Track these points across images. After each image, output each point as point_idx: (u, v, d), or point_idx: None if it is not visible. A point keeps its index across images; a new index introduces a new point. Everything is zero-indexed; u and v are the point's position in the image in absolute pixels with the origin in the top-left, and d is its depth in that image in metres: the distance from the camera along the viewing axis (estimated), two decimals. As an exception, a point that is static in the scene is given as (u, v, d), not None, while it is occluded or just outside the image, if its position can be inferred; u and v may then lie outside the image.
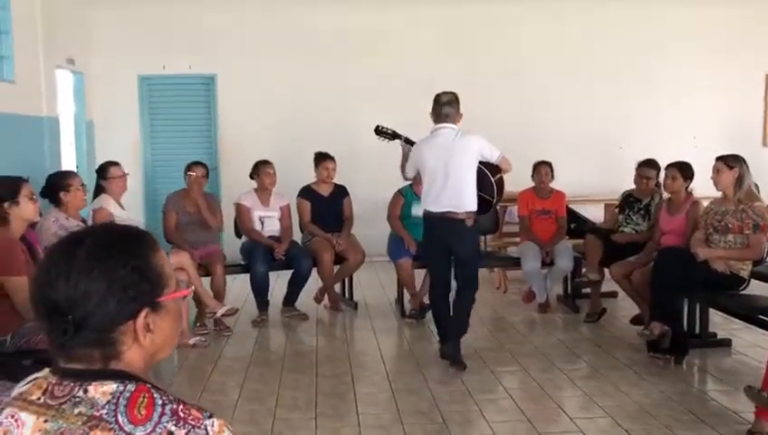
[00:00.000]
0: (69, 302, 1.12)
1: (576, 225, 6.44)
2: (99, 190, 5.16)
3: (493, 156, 4.62)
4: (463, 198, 4.51)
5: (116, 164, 5.34)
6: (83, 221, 4.58)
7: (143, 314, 1.16)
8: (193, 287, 4.84)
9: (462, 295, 4.72)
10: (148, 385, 1.14)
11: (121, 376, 1.14)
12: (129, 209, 5.69)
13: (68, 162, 7.91)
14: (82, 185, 4.44)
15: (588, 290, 5.95)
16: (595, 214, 7.41)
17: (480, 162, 4.59)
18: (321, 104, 8.37)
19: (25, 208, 3.38)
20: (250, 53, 8.30)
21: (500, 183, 4.77)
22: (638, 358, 4.73)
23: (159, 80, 8.40)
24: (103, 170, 5.19)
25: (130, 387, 1.12)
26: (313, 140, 7.32)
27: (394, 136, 5.08)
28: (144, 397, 1.11)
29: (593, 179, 8.15)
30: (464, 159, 4.50)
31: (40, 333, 3.36)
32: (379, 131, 5.14)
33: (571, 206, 6.64)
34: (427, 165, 4.59)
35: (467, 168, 4.51)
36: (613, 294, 6.23)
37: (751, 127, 8.95)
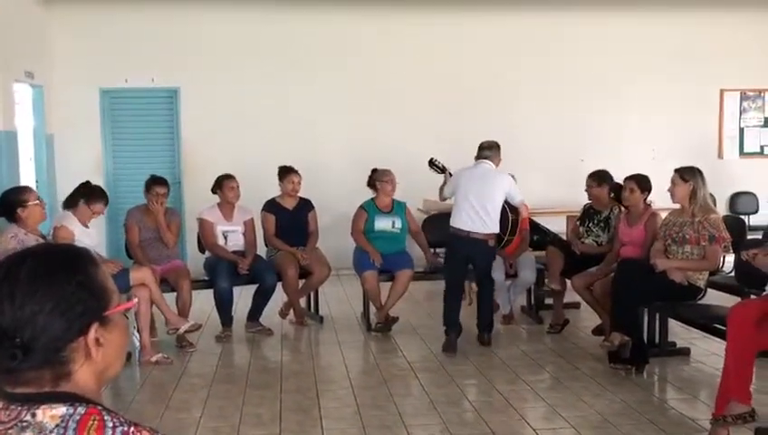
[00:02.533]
0: (16, 324, 1.11)
1: (539, 237, 6.52)
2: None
3: (515, 198, 5.59)
4: (486, 223, 5.30)
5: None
6: (43, 237, 4.51)
7: (93, 328, 1.16)
8: (136, 300, 4.77)
9: (484, 292, 5.52)
10: (99, 407, 1.12)
11: (71, 398, 1.12)
12: (97, 229, 5.62)
13: (27, 177, 7.77)
14: (39, 199, 4.37)
15: (551, 301, 6.03)
16: (558, 226, 7.51)
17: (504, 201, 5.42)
18: (285, 117, 8.37)
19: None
20: (213, 66, 8.26)
21: (515, 223, 5.67)
22: (600, 368, 4.80)
23: (122, 93, 8.31)
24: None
25: (80, 410, 1.11)
26: (278, 153, 7.29)
27: (443, 170, 5.88)
28: (94, 420, 1.10)
29: (556, 192, 8.27)
30: (495, 192, 5.35)
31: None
32: (432, 164, 5.93)
33: (534, 218, 6.73)
34: (461, 190, 5.37)
35: (496, 199, 5.35)
36: (576, 305, 6.31)
37: (707, 140, 9.19)
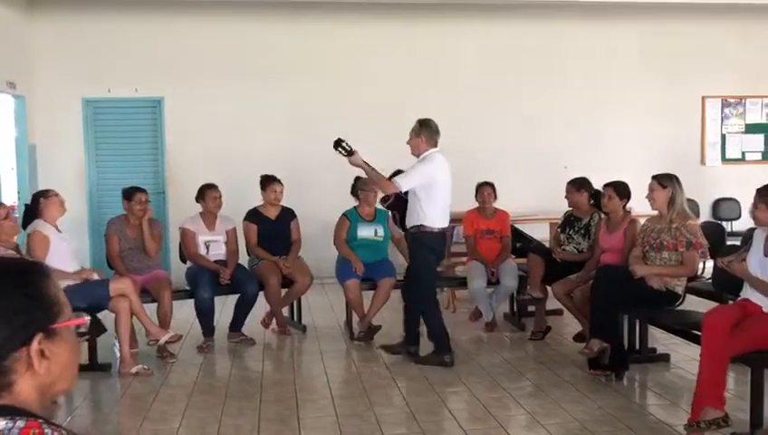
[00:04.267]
0: None
1: (522, 244, 6.54)
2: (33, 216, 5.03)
3: None
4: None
5: (51, 190, 5.23)
6: (16, 248, 4.48)
7: (36, 339, 1.15)
8: (87, 318, 4.68)
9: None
10: (40, 420, 1.12)
11: (11, 412, 1.12)
12: (71, 234, 5.58)
13: (9, 187, 7.74)
14: (10, 213, 4.34)
15: (533, 308, 6.04)
16: (541, 233, 7.55)
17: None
18: (269, 127, 8.38)
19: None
20: (197, 76, 8.28)
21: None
22: (580, 375, 4.81)
23: (105, 103, 8.29)
24: (40, 194, 5.07)
25: (20, 423, 1.10)
26: (262, 162, 7.30)
27: (351, 153, 4.95)
28: (34, 433, 1.10)
29: (539, 199, 8.30)
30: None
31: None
32: (339, 145, 4.95)
33: (517, 225, 6.76)
34: (439, 185, 4.94)
35: None
36: (558, 312, 6.33)
37: (690, 147, 9.27)
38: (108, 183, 8.33)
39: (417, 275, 5.09)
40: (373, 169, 4.97)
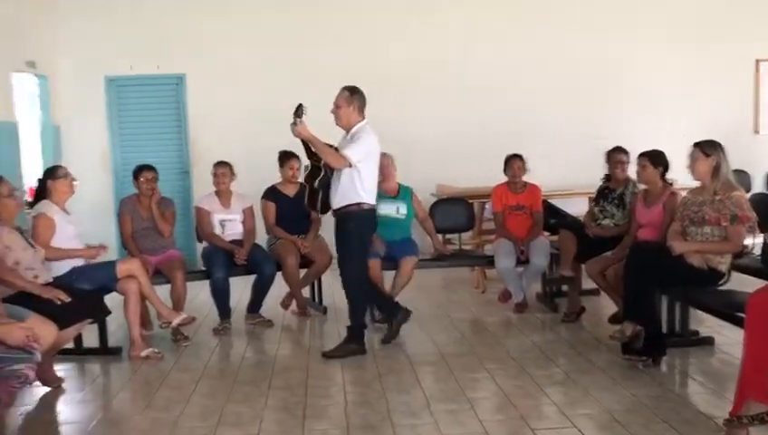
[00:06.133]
0: None
1: (556, 220, 6.14)
2: (42, 195, 4.87)
3: None
4: None
5: (63, 167, 5.06)
6: (18, 228, 4.32)
7: None
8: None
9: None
10: None
11: None
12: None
13: (34, 168, 7.68)
14: (13, 192, 4.18)
15: (567, 288, 5.67)
16: (581, 208, 7.13)
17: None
18: (292, 102, 8.08)
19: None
20: (219, 51, 8.06)
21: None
22: (614, 361, 4.44)
23: (127, 81, 8.15)
24: (48, 174, 4.91)
25: None
26: (286, 139, 7.02)
27: (299, 118, 4.51)
28: None
29: (577, 173, 7.84)
30: None
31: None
32: (299, 112, 4.54)
33: (553, 200, 6.37)
34: (376, 160, 4.68)
35: None
36: (595, 292, 5.92)
37: (742, 114, 8.65)
38: (132, 163, 7.97)
39: (353, 257, 4.70)
40: (321, 142, 4.59)
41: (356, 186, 4.59)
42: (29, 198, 6.05)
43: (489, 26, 8.33)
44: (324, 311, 5.97)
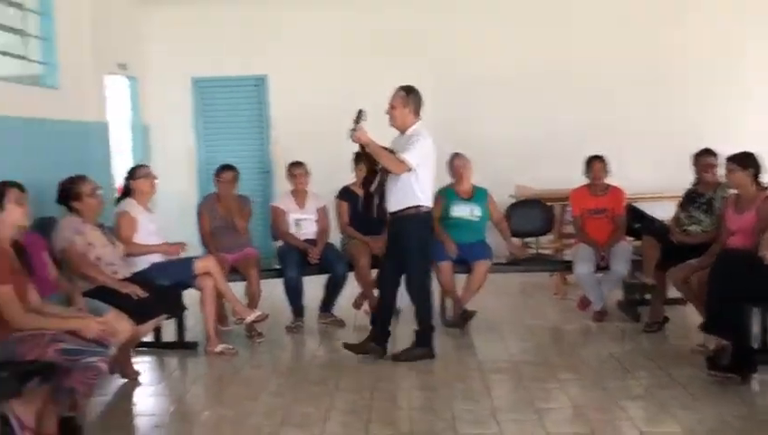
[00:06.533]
0: None
1: (641, 225, 5.85)
2: (126, 194, 5.07)
3: None
4: None
5: (146, 167, 5.25)
6: (101, 226, 4.50)
7: None
8: None
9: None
10: None
11: None
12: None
13: (124, 166, 8.01)
14: (96, 190, 4.35)
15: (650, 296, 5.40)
16: (669, 213, 6.79)
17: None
18: (375, 103, 8.08)
19: (12, 214, 3.28)
20: (301, 51, 8.14)
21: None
22: (697, 376, 4.17)
23: (212, 82, 8.38)
24: (130, 174, 5.10)
25: None
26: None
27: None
28: None
29: (667, 175, 7.46)
30: None
31: (27, 344, 3.26)
32: (359, 117, 4.51)
33: (640, 204, 6.09)
34: (433, 161, 4.60)
35: None
36: (682, 301, 5.61)
37: None
38: (216, 162, 8.21)
39: (416, 260, 4.62)
40: (380, 146, 4.52)
41: (414, 189, 4.52)
42: (118, 196, 6.31)
43: (577, 20, 8.06)
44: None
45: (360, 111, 4.49)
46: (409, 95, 4.58)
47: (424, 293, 4.74)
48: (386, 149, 4.59)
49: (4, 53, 5.64)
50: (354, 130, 4.44)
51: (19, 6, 5.76)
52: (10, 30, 5.70)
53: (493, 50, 8.05)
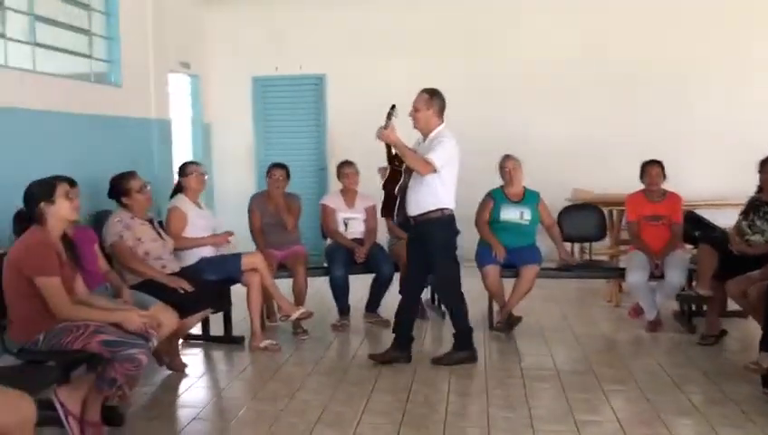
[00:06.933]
0: None
1: (702, 232, 5.62)
2: (178, 189, 5.21)
3: None
4: None
5: (196, 163, 5.37)
6: (150, 220, 4.63)
7: None
8: None
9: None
10: None
11: None
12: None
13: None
14: (144, 186, 4.48)
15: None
16: (732, 221, 6.49)
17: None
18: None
19: (61, 208, 3.39)
20: (358, 51, 8.20)
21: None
22: (752, 394, 3.98)
23: (272, 81, 8.52)
24: (182, 169, 5.23)
25: None
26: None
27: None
28: None
29: (733, 181, 7.14)
30: None
31: (71, 334, 3.38)
32: (391, 113, 4.46)
33: (701, 211, 5.85)
34: (456, 163, 4.53)
35: None
36: (742, 314, 5.36)
37: None
38: (274, 159, 8.44)
39: (443, 263, 4.54)
40: (407, 146, 4.42)
41: (439, 191, 4.45)
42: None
43: (635, 20, 7.83)
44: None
45: (393, 108, 4.43)
46: (433, 97, 4.52)
47: (455, 295, 4.65)
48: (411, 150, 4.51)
49: (71, 52, 5.88)
50: (384, 127, 4.37)
51: (85, 7, 5.99)
52: (77, 30, 5.94)
53: (551, 49, 7.90)
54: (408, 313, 4.74)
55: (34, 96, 5.13)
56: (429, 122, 4.51)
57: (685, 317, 5.46)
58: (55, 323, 3.37)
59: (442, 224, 4.50)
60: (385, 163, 4.67)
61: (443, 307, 5.97)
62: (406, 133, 4.61)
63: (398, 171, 4.55)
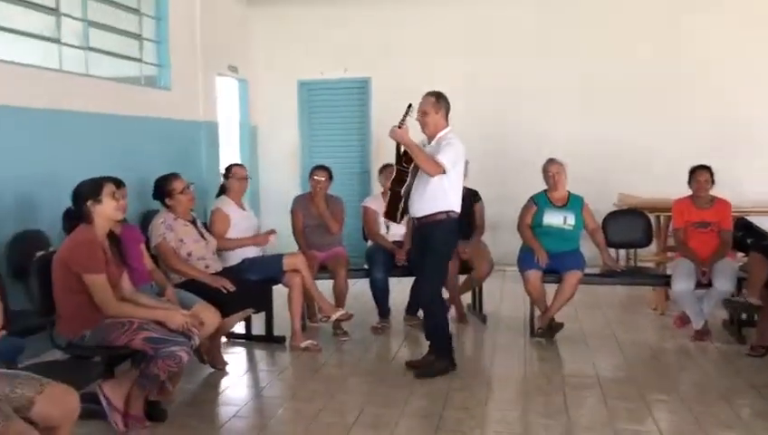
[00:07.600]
0: None
1: (754, 240, 5.46)
2: (222, 190, 5.31)
3: None
4: None
5: (240, 166, 5.46)
6: (193, 221, 4.72)
7: None
8: None
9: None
10: None
11: None
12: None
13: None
14: (187, 187, 4.57)
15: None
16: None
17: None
18: (472, 107, 8.03)
19: (107, 207, 3.49)
20: (403, 54, 8.22)
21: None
22: (802, 408, 3.85)
23: (317, 84, 8.60)
24: (226, 171, 5.33)
25: None
26: (467, 142, 7.01)
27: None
28: None
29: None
30: None
31: (116, 330, 3.48)
32: (408, 112, 4.38)
33: (753, 217, 5.68)
34: (462, 166, 4.49)
35: None
36: (796, 325, 5.19)
37: None
38: (319, 161, 8.54)
39: (438, 268, 4.48)
40: (418, 147, 4.34)
41: (446, 193, 4.38)
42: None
43: (700, 17, 7.67)
44: (484, 320, 5.84)
45: (410, 107, 4.39)
46: (439, 100, 4.46)
47: (436, 300, 4.54)
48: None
49: (123, 56, 6.06)
50: (399, 126, 4.31)
51: (136, 12, 6.16)
52: (128, 34, 6.12)
53: (601, 50, 7.79)
54: (435, 318, 4.59)
55: (87, 99, 5.30)
56: (438, 125, 4.46)
57: (734, 327, 5.30)
58: (101, 319, 3.47)
59: (445, 226, 4.44)
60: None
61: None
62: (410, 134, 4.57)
63: (405, 172, 4.47)
